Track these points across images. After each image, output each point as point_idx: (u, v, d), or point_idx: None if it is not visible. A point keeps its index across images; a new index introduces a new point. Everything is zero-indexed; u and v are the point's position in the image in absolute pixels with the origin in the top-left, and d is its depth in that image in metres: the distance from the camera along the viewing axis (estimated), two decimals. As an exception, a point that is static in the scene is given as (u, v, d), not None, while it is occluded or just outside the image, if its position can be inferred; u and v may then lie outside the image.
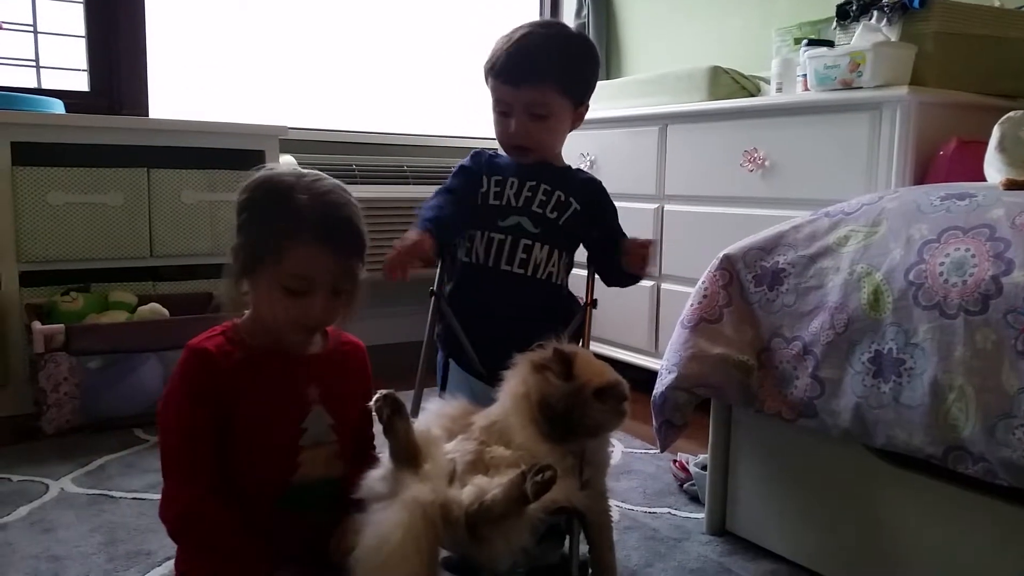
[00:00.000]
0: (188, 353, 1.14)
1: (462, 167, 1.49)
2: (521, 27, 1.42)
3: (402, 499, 1.01)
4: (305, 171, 1.18)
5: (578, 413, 1.16)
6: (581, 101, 1.46)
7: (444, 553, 1.19)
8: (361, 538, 1.00)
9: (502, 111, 1.43)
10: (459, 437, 1.16)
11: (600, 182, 1.51)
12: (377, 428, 1.10)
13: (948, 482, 1.26)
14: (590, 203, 1.46)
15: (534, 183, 1.43)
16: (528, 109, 1.40)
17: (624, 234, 1.48)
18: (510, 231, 1.41)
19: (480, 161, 1.49)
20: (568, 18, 3.54)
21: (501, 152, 1.51)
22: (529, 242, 1.41)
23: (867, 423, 1.28)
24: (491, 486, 1.01)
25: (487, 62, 1.43)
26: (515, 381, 1.20)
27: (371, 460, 1.13)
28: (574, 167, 1.53)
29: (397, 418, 1.06)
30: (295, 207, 1.11)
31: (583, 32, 1.51)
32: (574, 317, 1.42)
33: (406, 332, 1.36)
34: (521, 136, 1.42)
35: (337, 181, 1.19)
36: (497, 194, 1.44)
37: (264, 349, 1.16)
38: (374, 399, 1.06)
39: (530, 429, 1.15)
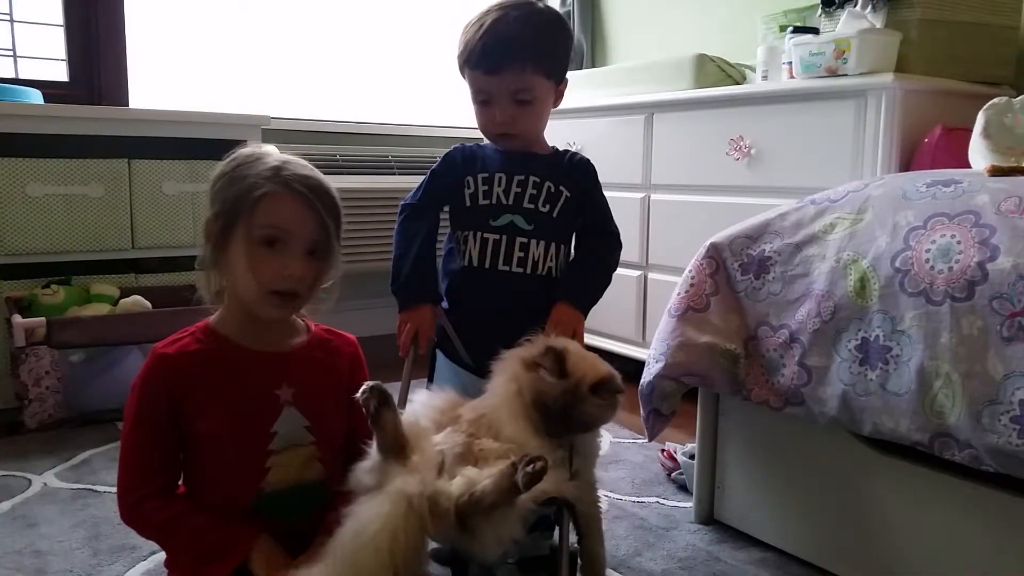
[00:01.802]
0: (150, 358, 1.13)
1: (433, 174, 1.45)
2: (489, 11, 1.37)
3: (387, 490, 1.00)
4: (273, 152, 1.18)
5: (576, 410, 1.15)
6: (561, 78, 1.43)
7: (433, 545, 1.18)
8: (341, 528, 0.99)
9: (483, 100, 1.39)
10: (448, 429, 1.15)
11: (590, 164, 1.46)
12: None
13: (935, 469, 1.27)
14: (581, 190, 1.42)
15: (522, 177, 1.40)
16: (511, 96, 1.36)
17: (611, 227, 1.45)
18: (504, 230, 1.38)
19: (455, 163, 1.44)
20: (552, 6, 3.52)
21: (482, 142, 1.48)
22: (525, 240, 1.38)
23: (854, 410, 1.28)
24: (481, 477, 1.00)
25: (460, 53, 1.38)
26: (505, 377, 1.19)
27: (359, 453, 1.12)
28: (561, 148, 1.49)
29: (385, 410, 1.04)
30: (268, 165, 1.11)
31: (550, 7, 1.46)
32: None
33: (391, 324, 1.35)
34: (506, 124, 1.38)
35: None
36: (486, 193, 1.40)
37: (235, 347, 1.15)
38: (360, 391, 1.05)
39: (520, 422, 1.14)
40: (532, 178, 1.40)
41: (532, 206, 1.39)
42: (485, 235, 1.38)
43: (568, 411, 1.15)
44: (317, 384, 1.18)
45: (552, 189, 1.40)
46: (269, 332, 1.18)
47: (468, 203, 1.40)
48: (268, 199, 1.09)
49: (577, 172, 1.44)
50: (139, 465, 1.12)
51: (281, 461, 1.13)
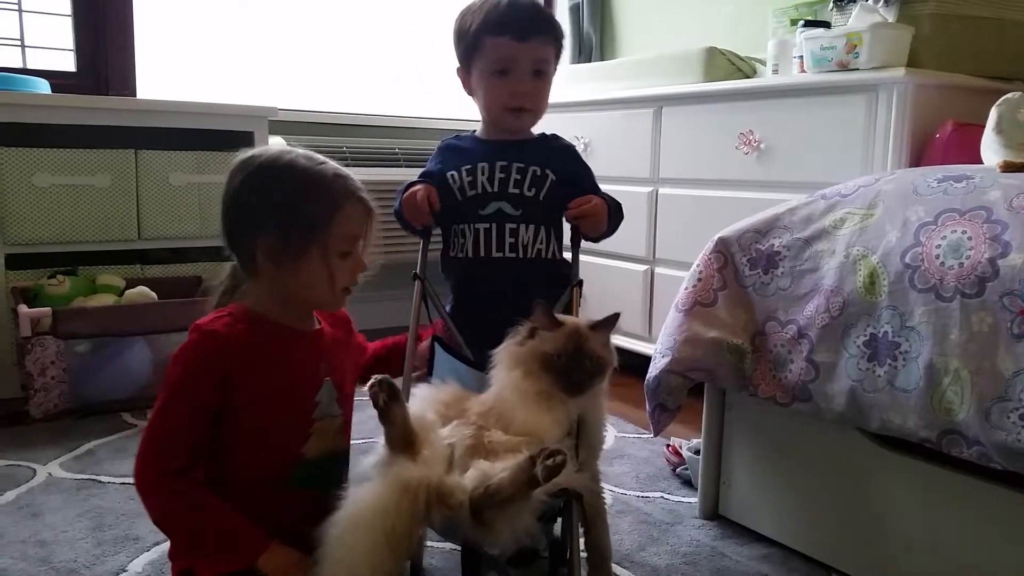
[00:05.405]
0: (198, 335, 1.14)
1: (426, 175, 1.47)
2: None
3: (386, 476, 1.00)
4: (286, 149, 1.21)
5: (583, 352, 1.15)
6: (555, 69, 1.44)
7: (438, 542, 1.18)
8: (337, 512, 0.99)
9: (502, 70, 1.37)
10: (454, 422, 1.14)
11: (574, 147, 1.50)
12: (373, 413, 1.09)
13: (942, 466, 1.26)
14: (568, 173, 1.43)
15: (505, 163, 1.40)
16: (533, 66, 1.36)
17: (602, 193, 1.46)
18: (492, 218, 1.39)
19: (436, 165, 1.46)
20: (561, -1, 3.50)
21: (459, 137, 1.49)
22: (513, 225, 1.39)
23: (862, 407, 1.28)
24: (495, 470, 1.00)
25: (477, 23, 1.35)
26: (506, 365, 1.19)
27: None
28: (548, 133, 1.50)
29: (394, 403, 1.04)
30: (325, 178, 1.18)
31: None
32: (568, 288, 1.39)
33: (391, 317, 1.35)
34: (526, 95, 1.38)
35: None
36: (471, 183, 1.40)
37: (277, 326, 1.19)
38: (368, 384, 1.04)
39: (531, 406, 1.13)
40: (515, 164, 1.40)
41: (517, 191, 1.40)
42: (476, 225, 1.39)
43: (577, 356, 1.15)
44: (340, 360, 1.25)
45: (538, 173, 1.40)
46: (302, 315, 1.23)
47: (459, 197, 1.41)
48: (346, 212, 1.17)
49: (562, 155, 1.46)
50: (173, 436, 1.11)
51: (320, 428, 1.19)
